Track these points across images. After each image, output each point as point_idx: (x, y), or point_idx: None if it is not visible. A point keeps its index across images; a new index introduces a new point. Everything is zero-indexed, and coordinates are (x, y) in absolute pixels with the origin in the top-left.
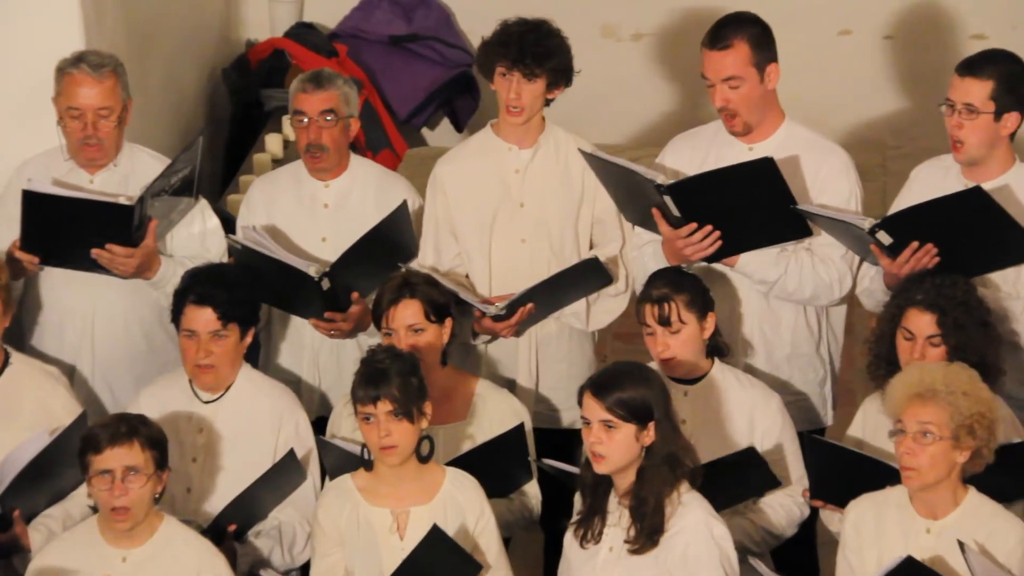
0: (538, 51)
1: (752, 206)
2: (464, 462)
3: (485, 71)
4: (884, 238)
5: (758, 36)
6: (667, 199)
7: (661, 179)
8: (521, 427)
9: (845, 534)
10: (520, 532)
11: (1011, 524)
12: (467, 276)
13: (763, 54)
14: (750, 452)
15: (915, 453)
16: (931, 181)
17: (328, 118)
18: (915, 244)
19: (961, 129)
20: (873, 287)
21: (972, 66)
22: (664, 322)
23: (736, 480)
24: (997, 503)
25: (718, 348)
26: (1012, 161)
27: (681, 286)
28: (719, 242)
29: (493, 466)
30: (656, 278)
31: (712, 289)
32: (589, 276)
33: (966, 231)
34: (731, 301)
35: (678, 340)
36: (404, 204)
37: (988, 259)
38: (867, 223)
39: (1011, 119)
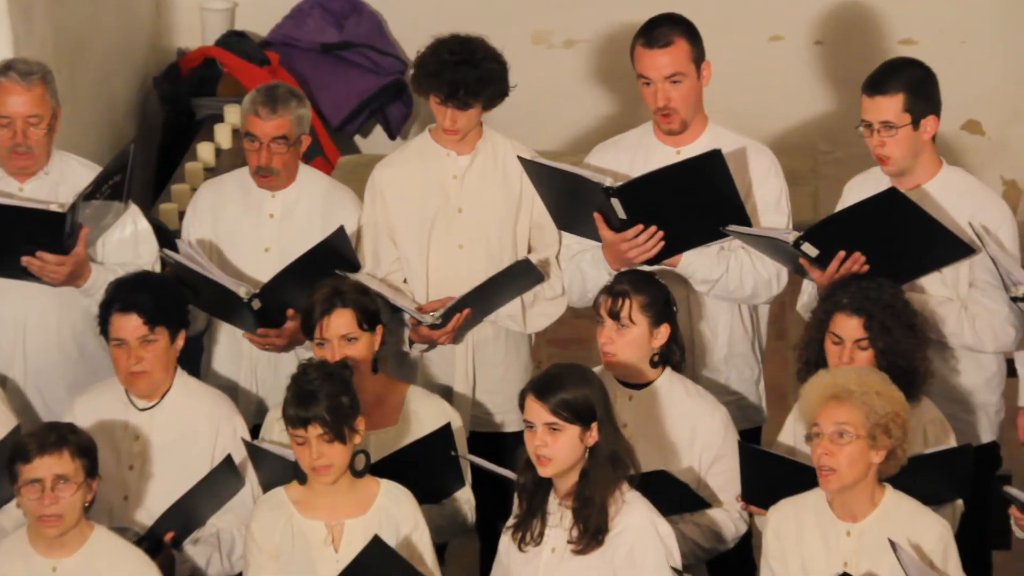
0: (472, 85)
1: (698, 202)
2: (390, 463)
3: (419, 94)
4: (810, 250)
5: (691, 32)
6: (614, 201)
7: (609, 182)
8: (447, 427)
9: (767, 541)
10: (453, 538)
11: (931, 521)
12: (405, 281)
13: (698, 50)
14: (662, 474)
15: (833, 454)
16: (864, 194)
17: (279, 143)
18: (842, 253)
19: (884, 147)
20: (811, 302)
21: (877, 84)
22: (614, 316)
23: (657, 496)
24: (915, 501)
25: (672, 360)
26: (939, 164)
27: (642, 288)
28: (662, 243)
29: (421, 469)
30: (624, 274)
31: None
32: (522, 277)
33: (889, 234)
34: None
35: (623, 338)
36: (341, 229)
37: (916, 262)
38: (791, 236)
39: (929, 123)
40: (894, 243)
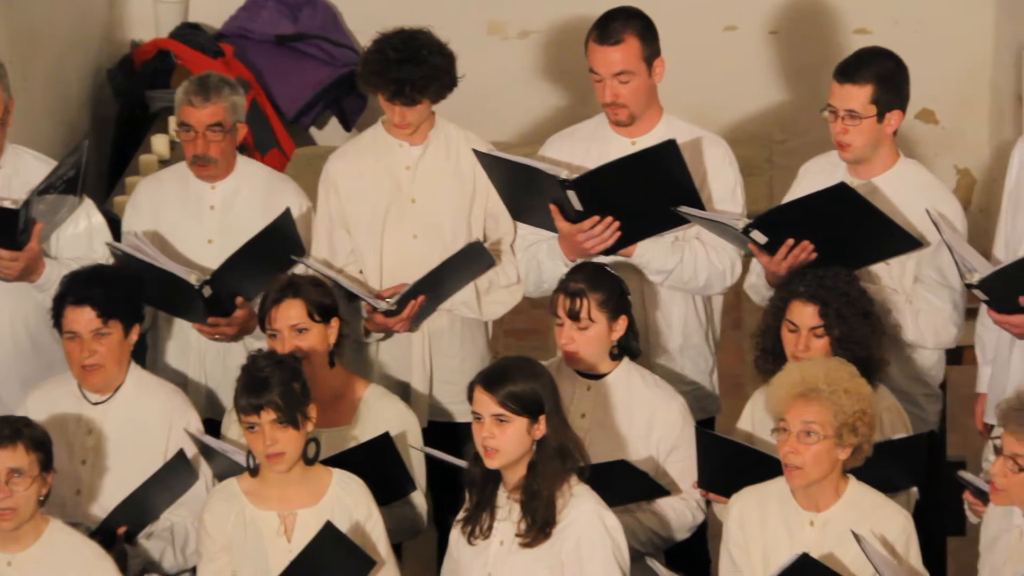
0: (418, 82)
1: (652, 193)
2: (333, 464)
3: (366, 92)
4: (759, 237)
5: (645, 31)
6: (570, 193)
7: (565, 174)
8: (387, 436)
9: (728, 529)
10: (408, 539)
11: (893, 512)
12: (360, 273)
13: (651, 48)
14: (623, 464)
15: (799, 452)
16: (819, 178)
17: (215, 131)
18: (790, 241)
19: (846, 134)
20: (759, 282)
21: (849, 72)
22: (573, 316)
23: (617, 486)
24: (878, 492)
25: (630, 349)
26: (896, 157)
27: (598, 284)
28: (618, 233)
29: (365, 473)
30: (576, 271)
31: None
32: (474, 261)
33: (837, 226)
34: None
35: (584, 336)
36: (288, 212)
37: (863, 252)
38: (741, 223)
39: (893, 117)
40: (842, 234)
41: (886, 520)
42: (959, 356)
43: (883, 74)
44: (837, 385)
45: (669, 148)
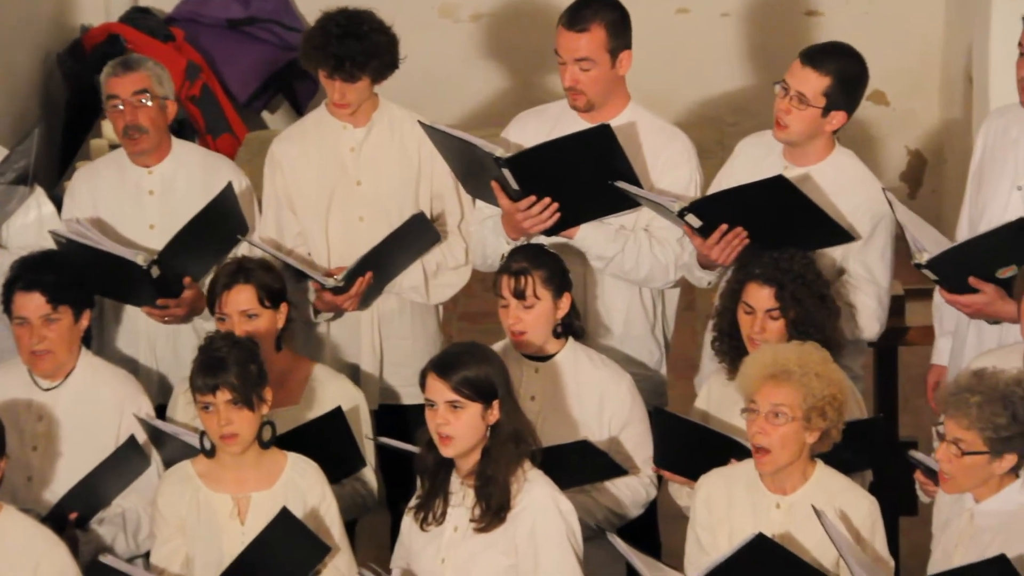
0: (358, 57)
1: (590, 176)
2: (286, 443)
3: (308, 69)
4: (693, 220)
5: (616, 22)
6: (505, 172)
7: (500, 152)
8: (339, 411)
9: (696, 511)
10: (357, 517)
11: (859, 497)
12: (309, 254)
13: (618, 40)
14: (584, 444)
15: (767, 432)
16: (752, 158)
17: (143, 99)
18: (724, 227)
19: (789, 114)
20: (691, 263)
21: (815, 57)
22: (519, 295)
23: (576, 467)
24: (845, 476)
25: (574, 329)
26: (832, 147)
27: (540, 262)
28: (558, 214)
29: (317, 449)
30: (517, 252)
31: None
32: (418, 234)
33: (771, 215)
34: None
35: (531, 315)
36: (230, 185)
37: (795, 242)
38: (676, 206)
39: (837, 117)
40: (775, 223)
41: (852, 504)
42: (903, 337)
43: (846, 74)
44: (809, 368)
45: (602, 132)
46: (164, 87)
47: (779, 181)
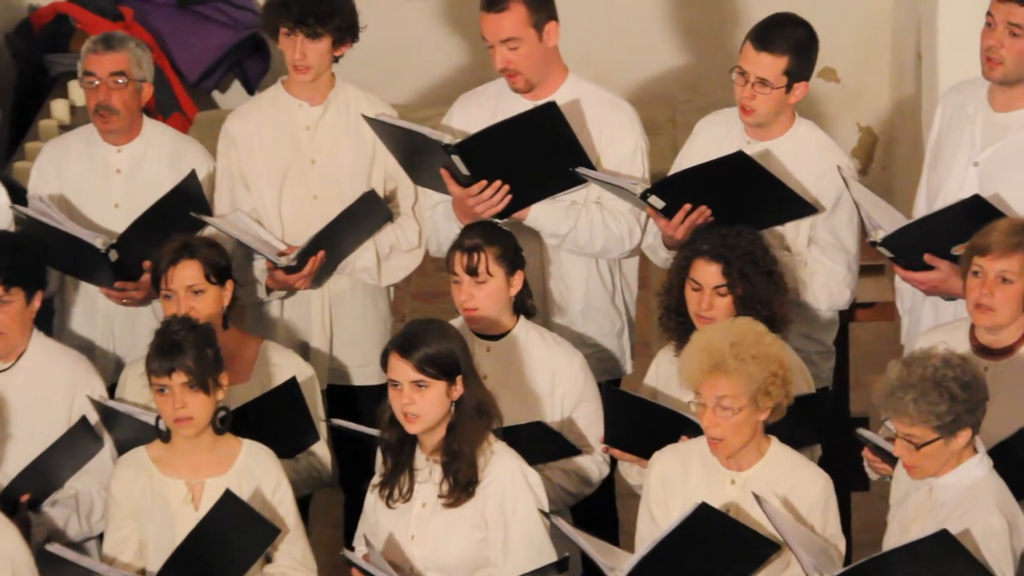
0: (320, 10)
1: (539, 155)
2: (238, 418)
3: (269, 31)
4: (656, 202)
5: None
6: (455, 158)
7: (448, 139)
8: (294, 381)
9: (650, 486)
10: (311, 492)
11: (813, 475)
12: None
13: (540, 13)
14: (538, 425)
15: (718, 424)
16: (714, 136)
17: (119, 80)
18: (687, 207)
19: (754, 99)
20: (656, 244)
21: (766, 40)
22: (472, 271)
23: (530, 447)
24: (798, 453)
25: (525, 307)
26: (792, 119)
27: (493, 239)
28: (509, 196)
29: (270, 424)
30: (470, 228)
31: None
32: (369, 211)
33: (735, 192)
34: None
35: (483, 292)
36: (193, 173)
37: (759, 218)
38: (639, 188)
39: (800, 88)
40: (739, 200)
41: (806, 482)
42: (853, 314)
43: (798, 44)
44: (744, 353)
45: (548, 110)
46: (143, 69)
47: (739, 157)
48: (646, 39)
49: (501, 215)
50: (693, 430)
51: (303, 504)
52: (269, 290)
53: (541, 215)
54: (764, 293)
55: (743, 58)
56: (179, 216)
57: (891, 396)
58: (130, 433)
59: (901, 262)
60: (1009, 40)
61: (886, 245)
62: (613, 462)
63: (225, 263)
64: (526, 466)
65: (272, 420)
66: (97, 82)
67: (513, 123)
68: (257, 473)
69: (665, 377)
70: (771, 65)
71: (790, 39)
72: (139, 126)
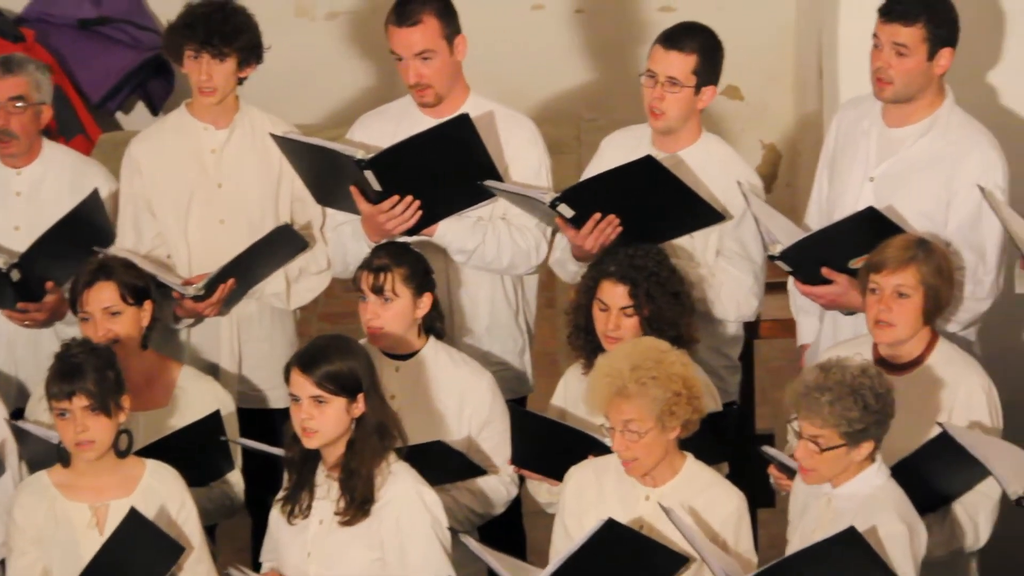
0: (226, 31)
1: (451, 169)
2: (160, 448)
3: (173, 54)
4: (566, 211)
5: (443, 9)
6: (368, 174)
7: (361, 154)
8: (217, 414)
9: (565, 500)
10: (222, 520)
11: (728, 492)
12: (168, 256)
13: (451, 27)
14: (439, 444)
15: (628, 447)
16: (621, 151)
17: (18, 104)
18: (597, 215)
19: (663, 101)
20: (564, 258)
21: (676, 39)
22: (377, 290)
23: (434, 466)
24: (713, 470)
25: (435, 328)
26: (699, 131)
27: (402, 260)
28: (420, 212)
29: (190, 453)
30: (380, 249)
31: None
32: (283, 243)
33: (644, 200)
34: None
35: (389, 311)
36: (95, 192)
37: (668, 226)
38: (548, 197)
39: (708, 93)
40: (648, 207)
41: (721, 499)
42: (757, 330)
43: (707, 47)
44: (644, 376)
45: (462, 122)
46: (42, 92)
47: (648, 162)
48: (551, 58)
49: (410, 232)
50: (600, 450)
51: (210, 527)
52: (177, 319)
53: (449, 231)
54: (671, 314)
55: (652, 60)
56: (81, 236)
57: (807, 396)
58: (40, 454)
59: (800, 276)
60: (896, 60)
61: (784, 259)
62: (521, 481)
63: (143, 284)
64: (423, 486)
65: (191, 451)
66: None
67: (427, 136)
68: (161, 493)
69: (574, 396)
70: (680, 63)
71: (698, 40)
72: (39, 148)
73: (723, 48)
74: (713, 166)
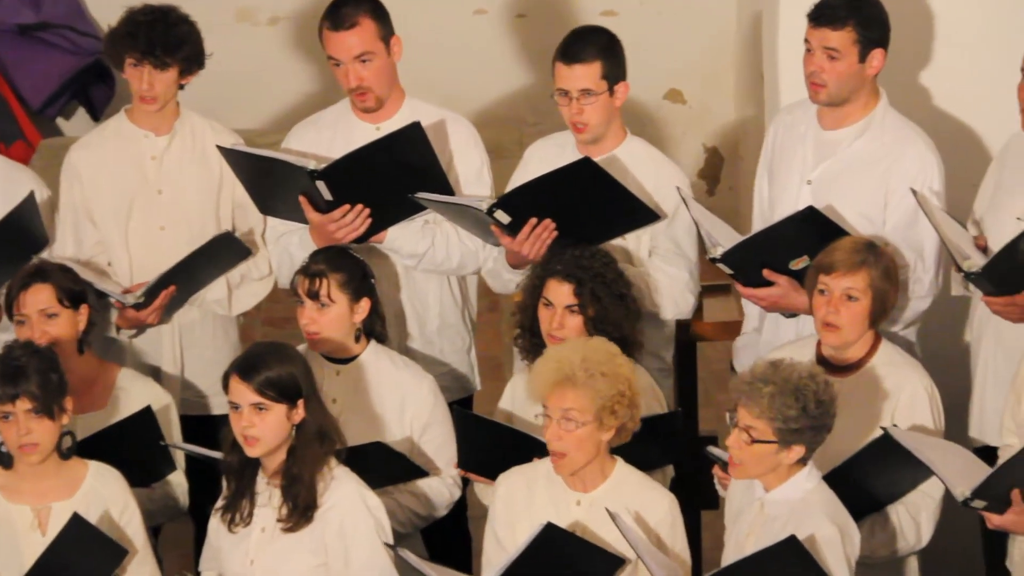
0: (168, 41)
1: (401, 177)
2: (92, 445)
3: (114, 62)
4: (503, 217)
5: (376, 11)
6: (319, 184)
7: (312, 165)
8: (149, 409)
9: (495, 508)
10: (166, 522)
11: (659, 494)
12: (109, 264)
13: (385, 28)
14: (379, 445)
15: (561, 437)
16: (546, 160)
17: None
18: (533, 220)
19: (583, 114)
20: (497, 268)
21: (574, 53)
22: (313, 296)
23: (375, 468)
24: (643, 473)
25: (375, 333)
26: (624, 134)
27: (339, 265)
28: (370, 220)
29: (125, 452)
30: (318, 254)
31: None
32: (224, 250)
33: (581, 202)
34: (380, 282)
35: (325, 317)
36: (31, 195)
37: (604, 228)
38: (485, 204)
39: (621, 89)
40: (584, 209)
41: (652, 502)
42: (700, 332)
43: (605, 48)
44: (594, 369)
45: (414, 130)
46: None
47: (586, 163)
48: (493, 62)
49: (360, 239)
50: (544, 452)
51: (154, 531)
52: (119, 328)
53: (398, 237)
54: (615, 315)
55: (558, 79)
56: (17, 240)
57: (750, 384)
58: None
59: (740, 279)
60: (828, 64)
61: (725, 261)
62: (466, 484)
63: (79, 287)
64: (366, 490)
65: (126, 449)
66: None
67: (379, 145)
68: (104, 495)
69: (521, 400)
70: (587, 74)
71: (596, 44)
72: None
73: (620, 42)
74: (642, 165)
